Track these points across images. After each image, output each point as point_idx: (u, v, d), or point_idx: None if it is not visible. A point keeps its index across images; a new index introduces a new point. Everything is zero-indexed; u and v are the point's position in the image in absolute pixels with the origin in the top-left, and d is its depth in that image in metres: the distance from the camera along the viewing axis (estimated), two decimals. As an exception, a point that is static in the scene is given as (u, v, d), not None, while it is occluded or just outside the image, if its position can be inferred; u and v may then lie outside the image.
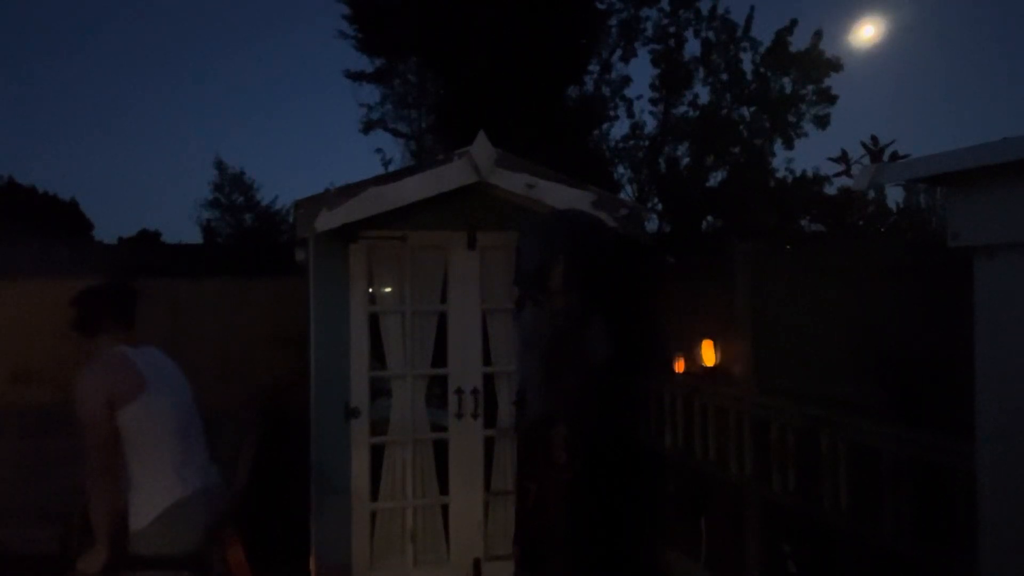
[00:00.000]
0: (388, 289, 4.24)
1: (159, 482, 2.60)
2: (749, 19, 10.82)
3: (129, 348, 2.72)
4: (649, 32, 11.60)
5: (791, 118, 10.75)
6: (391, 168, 12.72)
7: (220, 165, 23.21)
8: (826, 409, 2.77)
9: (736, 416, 3.35)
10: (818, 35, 10.63)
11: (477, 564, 4.17)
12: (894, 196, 7.80)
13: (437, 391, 4.34)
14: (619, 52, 11.84)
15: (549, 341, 3.43)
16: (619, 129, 16.26)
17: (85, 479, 2.53)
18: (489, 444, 4.25)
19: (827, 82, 10.73)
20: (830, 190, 9.64)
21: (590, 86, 12.03)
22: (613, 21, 11.83)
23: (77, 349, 2.70)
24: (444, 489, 4.18)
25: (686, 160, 11.28)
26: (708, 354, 3.61)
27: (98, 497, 2.51)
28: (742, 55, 10.91)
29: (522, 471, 3.59)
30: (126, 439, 2.57)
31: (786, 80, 10.79)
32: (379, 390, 4.25)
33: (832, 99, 10.84)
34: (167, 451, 2.64)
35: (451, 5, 10.75)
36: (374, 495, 4.05)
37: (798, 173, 10.53)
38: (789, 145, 10.81)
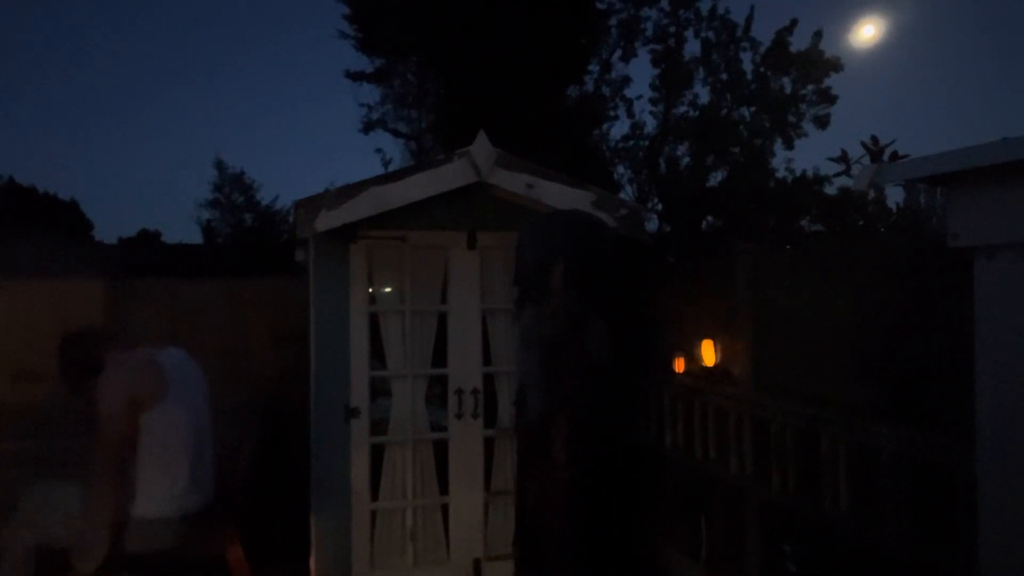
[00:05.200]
0: (388, 289, 4.24)
1: (155, 494, 2.59)
2: (749, 19, 10.82)
3: (154, 350, 2.71)
4: (649, 32, 11.59)
5: (791, 118, 10.74)
6: (391, 168, 12.74)
7: (220, 165, 23.12)
8: (826, 409, 2.77)
9: (736, 416, 3.35)
10: (818, 35, 10.64)
11: (477, 564, 4.17)
12: (894, 196, 7.81)
13: (437, 391, 4.34)
14: (619, 52, 11.84)
15: (549, 341, 3.42)
16: (619, 129, 16.26)
17: (94, 474, 2.51)
18: (489, 444, 4.24)
19: (827, 82, 10.73)
20: (830, 190, 9.67)
21: (590, 86, 12.03)
22: (613, 21, 11.83)
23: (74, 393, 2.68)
24: (444, 489, 4.18)
25: (686, 160, 11.28)
26: (708, 354, 3.61)
27: (104, 496, 2.51)
28: (742, 55, 10.91)
29: (522, 471, 3.58)
30: (142, 440, 2.56)
31: (786, 80, 10.79)
32: (379, 390, 4.24)
33: (832, 99, 10.84)
34: (172, 463, 2.62)
35: (451, 5, 10.75)
36: (374, 495, 4.05)
37: (798, 173, 10.54)
38: (789, 145, 10.81)
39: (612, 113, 11.92)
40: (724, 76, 10.99)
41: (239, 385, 4.92)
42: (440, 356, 4.19)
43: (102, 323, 4.25)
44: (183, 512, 2.65)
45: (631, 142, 11.69)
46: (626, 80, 11.88)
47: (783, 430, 3.01)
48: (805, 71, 10.61)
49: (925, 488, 2.36)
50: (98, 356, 2.64)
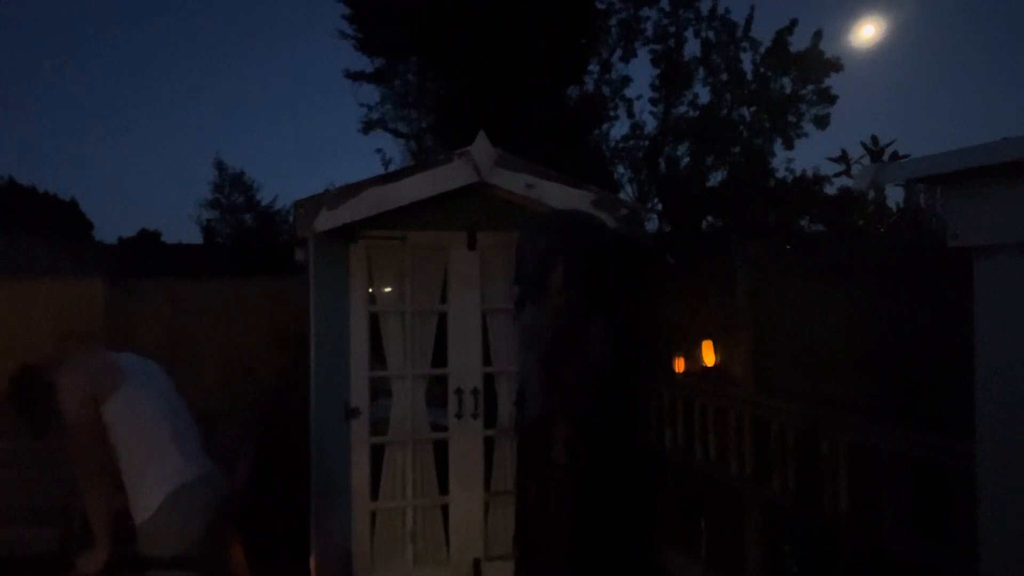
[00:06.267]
0: (388, 289, 4.24)
1: (158, 471, 2.57)
2: (749, 19, 10.85)
3: (106, 351, 2.73)
4: (649, 32, 11.62)
5: (791, 118, 10.77)
6: (391, 168, 12.74)
7: (220, 165, 23.13)
8: (826, 409, 2.77)
9: (736, 416, 3.35)
10: (818, 35, 10.66)
11: (477, 564, 4.17)
12: (894, 196, 7.78)
13: (437, 391, 4.34)
14: (619, 52, 11.87)
15: (549, 341, 3.42)
16: (619, 129, 16.23)
17: (79, 480, 2.52)
18: (489, 444, 4.24)
19: (827, 82, 10.75)
20: (830, 190, 9.68)
21: (590, 86, 12.05)
22: (613, 21, 11.85)
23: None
24: (444, 489, 4.18)
25: (686, 160, 11.30)
26: (708, 354, 3.61)
27: (94, 496, 2.50)
28: (742, 55, 10.93)
29: (522, 471, 3.59)
30: (115, 434, 2.55)
31: (786, 80, 10.81)
32: (379, 390, 4.24)
33: (832, 99, 10.86)
34: (160, 441, 2.61)
35: (451, 5, 10.75)
36: (374, 495, 4.05)
37: (798, 173, 10.57)
38: (789, 145, 10.84)
39: (612, 113, 11.96)
40: (724, 76, 11.00)
41: (239, 385, 4.93)
42: (440, 356, 4.19)
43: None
44: (200, 474, 2.66)
45: (631, 142, 11.72)
46: (626, 80, 11.92)
47: (783, 430, 3.01)
48: (805, 71, 10.63)
49: (925, 488, 2.36)
50: (48, 384, 2.61)
